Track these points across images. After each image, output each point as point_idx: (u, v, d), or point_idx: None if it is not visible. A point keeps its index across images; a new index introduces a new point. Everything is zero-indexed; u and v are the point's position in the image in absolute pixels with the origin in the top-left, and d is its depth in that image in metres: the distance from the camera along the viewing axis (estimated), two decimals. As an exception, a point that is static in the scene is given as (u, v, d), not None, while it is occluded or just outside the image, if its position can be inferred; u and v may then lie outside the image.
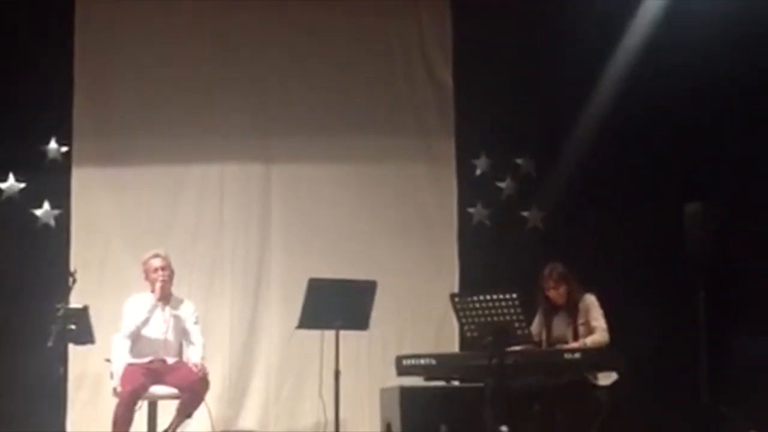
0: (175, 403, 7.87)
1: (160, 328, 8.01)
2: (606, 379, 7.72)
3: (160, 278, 7.98)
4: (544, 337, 8.01)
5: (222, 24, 9.26)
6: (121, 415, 7.69)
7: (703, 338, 8.41)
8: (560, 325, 8.01)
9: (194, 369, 7.83)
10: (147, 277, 8.06)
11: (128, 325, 7.96)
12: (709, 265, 8.39)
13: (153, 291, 8.03)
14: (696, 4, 8.82)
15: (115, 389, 7.88)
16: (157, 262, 8.03)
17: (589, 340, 7.78)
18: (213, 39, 9.25)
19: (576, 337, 7.90)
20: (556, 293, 7.98)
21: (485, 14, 9.33)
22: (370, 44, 9.45)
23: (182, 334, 8.08)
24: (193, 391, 7.79)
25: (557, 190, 9.35)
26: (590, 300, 7.96)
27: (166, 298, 8.06)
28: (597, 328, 7.84)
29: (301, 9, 9.32)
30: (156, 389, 7.88)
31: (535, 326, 7.99)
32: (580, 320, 7.93)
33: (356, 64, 9.40)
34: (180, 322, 8.06)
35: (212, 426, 8.03)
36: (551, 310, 8.03)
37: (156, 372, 7.90)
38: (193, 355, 8.00)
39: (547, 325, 8.03)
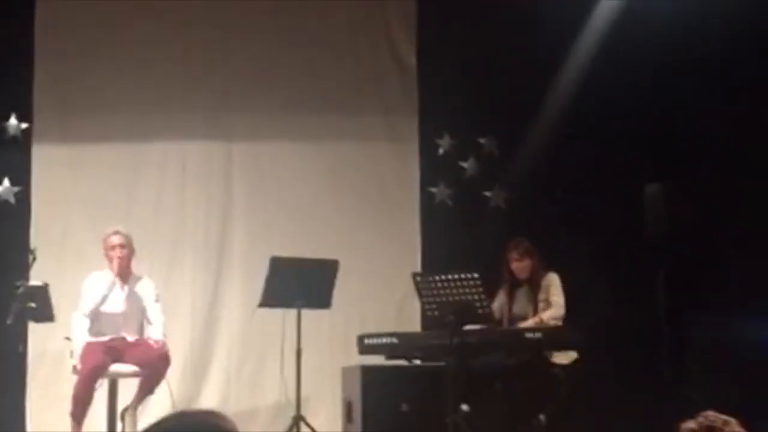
0: (136, 380, 7.85)
1: (119, 305, 7.98)
2: (566, 357, 7.79)
3: (117, 255, 7.94)
4: (506, 312, 8.06)
5: (186, 2, 9.19)
6: (80, 393, 7.67)
7: (663, 317, 8.48)
8: (522, 301, 8.07)
9: (154, 346, 7.80)
10: (106, 254, 8.02)
11: (86, 303, 7.93)
12: (669, 245, 8.45)
13: (110, 267, 7.99)
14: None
15: (74, 367, 7.85)
16: (116, 239, 7.99)
17: (546, 315, 7.86)
18: (176, 17, 9.18)
19: (536, 314, 7.96)
20: (520, 266, 8.04)
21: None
22: (335, 23, 9.42)
23: (142, 312, 8.05)
24: (153, 368, 7.77)
25: (520, 171, 9.38)
26: (552, 277, 8.04)
27: (124, 275, 8.02)
28: (554, 303, 7.91)
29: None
30: (116, 367, 7.85)
31: (498, 301, 8.04)
32: (541, 296, 8.00)
33: (320, 43, 9.37)
34: (139, 299, 8.03)
35: (173, 403, 8.01)
36: (514, 285, 8.09)
37: (116, 350, 7.87)
38: (153, 334, 7.97)
39: (510, 301, 8.08)
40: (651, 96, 9.15)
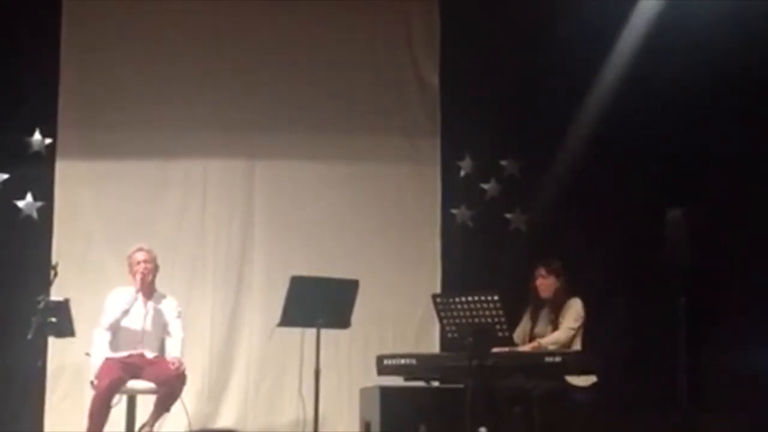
0: (154, 397, 7.86)
1: (139, 320, 8.00)
2: (584, 380, 7.75)
3: (141, 270, 7.97)
4: (527, 332, 8.05)
5: (209, 21, 9.24)
6: (97, 409, 7.68)
7: (682, 343, 8.43)
8: (542, 322, 8.05)
9: (171, 365, 7.82)
10: (130, 270, 8.05)
11: (107, 316, 7.95)
12: (690, 270, 8.42)
13: (134, 283, 8.02)
14: (685, 11, 8.85)
15: (92, 382, 7.87)
16: (140, 256, 8.04)
17: (545, 340, 7.83)
18: (201, 35, 9.24)
19: (554, 335, 7.96)
20: (544, 283, 8.02)
21: (473, 16, 9.34)
22: (358, 43, 9.45)
23: (163, 328, 8.07)
24: (169, 387, 7.77)
25: (541, 193, 9.37)
26: (574, 302, 8.00)
27: (147, 291, 8.05)
28: (560, 326, 7.88)
29: (290, 7, 9.31)
30: (133, 384, 7.87)
31: (522, 324, 8.03)
32: (561, 319, 7.97)
33: (343, 63, 9.40)
34: (161, 315, 8.06)
35: (189, 423, 8.02)
36: (538, 306, 8.08)
37: (134, 366, 7.89)
38: (171, 349, 7.99)
39: (533, 320, 8.07)
40: (673, 120, 9.13)
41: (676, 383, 8.42)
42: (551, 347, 7.78)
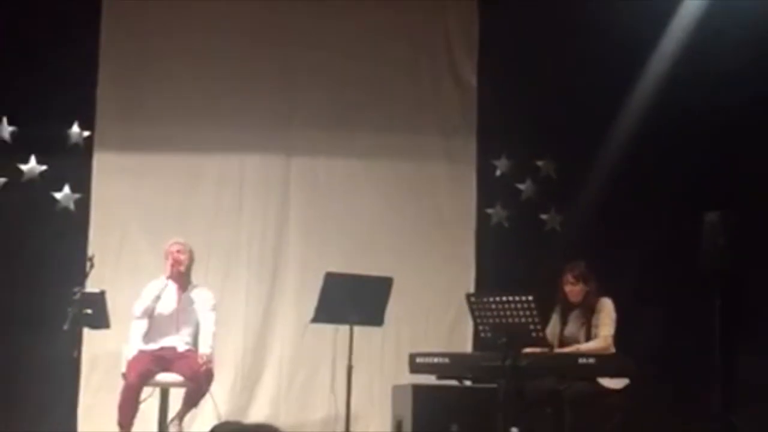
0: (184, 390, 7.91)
1: (172, 310, 8.04)
2: (617, 383, 7.73)
3: (172, 259, 8.01)
4: (557, 334, 8.02)
5: (249, 15, 9.26)
6: (126, 401, 7.75)
7: (717, 347, 8.40)
8: (573, 325, 8.02)
9: (199, 360, 7.84)
10: (166, 260, 8.10)
11: (140, 303, 8.01)
12: (726, 274, 8.38)
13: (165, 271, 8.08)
14: (728, 13, 8.80)
15: (123, 374, 7.92)
16: (174, 247, 8.11)
17: (584, 347, 7.79)
18: (240, 30, 9.25)
19: (588, 339, 7.92)
20: (573, 290, 7.99)
21: (512, 15, 9.32)
22: (396, 42, 9.45)
23: (196, 319, 8.10)
24: (196, 382, 7.81)
25: (577, 194, 9.35)
26: (605, 303, 7.97)
27: (182, 282, 8.09)
28: (599, 335, 7.85)
29: (329, 5, 9.33)
30: (163, 376, 7.92)
31: (551, 325, 8.01)
32: (593, 322, 7.94)
33: (381, 61, 9.40)
34: (195, 307, 8.09)
35: (219, 418, 8.05)
36: (567, 308, 8.05)
37: (165, 359, 7.94)
38: (202, 344, 8.02)
39: (562, 323, 8.05)
40: (711, 123, 9.09)
41: (709, 388, 8.39)
42: None
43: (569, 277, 8.01)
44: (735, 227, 8.32)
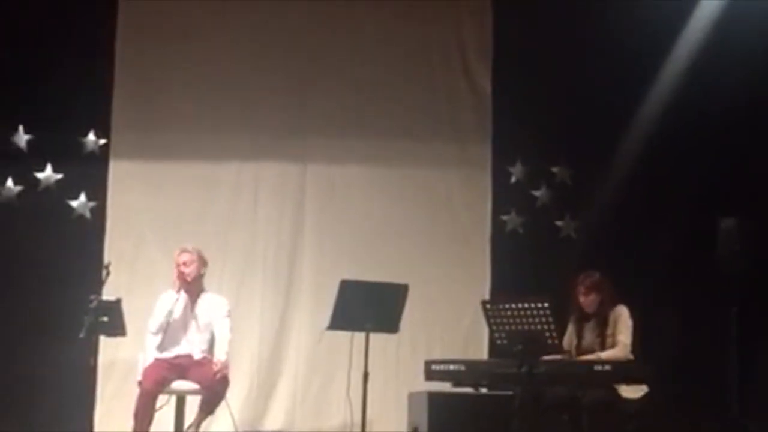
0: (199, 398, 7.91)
1: (185, 320, 8.05)
2: (635, 392, 7.70)
3: (178, 272, 8.02)
4: (574, 345, 7.99)
5: (265, 25, 9.29)
6: (141, 408, 7.74)
7: (733, 353, 8.38)
8: (589, 335, 7.99)
9: (214, 368, 7.85)
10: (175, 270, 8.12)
11: (154, 320, 8.01)
12: (743, 280, 8.36)
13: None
14: (745, 15, 8.78)
15: (139, 382, 7.92)
16: (182, 257, 8.08)
17: (604, 355, 7.76)
18: (255, 37, 9.28)
19: (603, 348, 7.88)
20: (587, 300, 7.96)
21: (526, 21, 9.32)
22: (410, 48, 9.46)
23: (210, 327, 8.10)
24: (212, 389, 7.82)
25: (592, 201, 9.33)
26: (620, 311, 7.93)
27: (194, 291, 8.09)
28: (619, 343, 7.81)
29: (343, 12, 9.34)
30: (178, 384, 7.92)
31: (568, 335, 7.98)
32: (609, 331, 7.90)
33: (395, 68, 9.41)
34: (208, 315, 8.09)
35: (235, 425, 8.05)
36: (583, 318, 8.02)
37: (180, 367, 7.94)
38: (218, 351, 8.02)
39: (578, 334, 8.01)
40: (728, 129, 9.07)
41: (726, 393, 8.37)
42: None
43: (582, 289, 7.96)
44: (751, 233, 8.30)
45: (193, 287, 8.10)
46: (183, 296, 8.06)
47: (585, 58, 9.20)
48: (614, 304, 7.96)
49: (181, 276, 8.01)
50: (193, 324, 8.07)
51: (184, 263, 8.05)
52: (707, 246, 8.52)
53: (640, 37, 9.01)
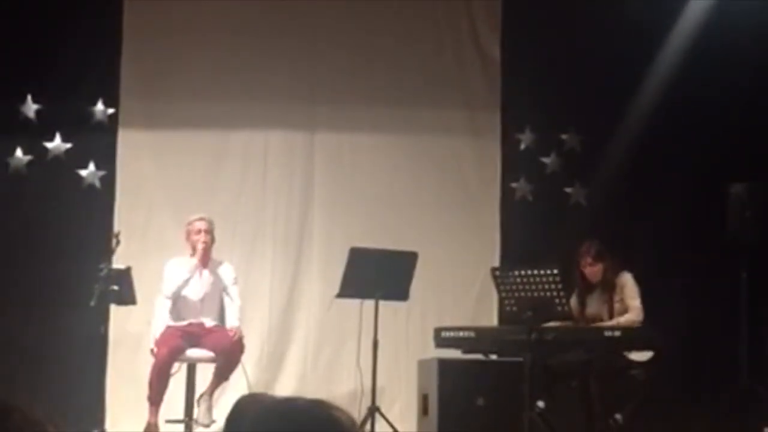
0: (213, 366, 7.93)
1: (199, 291, 8.07)
2: (642, 355, 7.71)
3: (201, 241, 8.01)
4: (578, 314, 8.00)
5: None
6: (156, 377, 7.78)
7: (743, 319, 8.38)
8: (595, 303, 8.00)
9: (229, 333, 7.87)
10: (188, 238, 8.10)
11: (169, 285, 8.02)
12: (753, 247, 8.35)
13: (192, 253, 8.06)
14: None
15: (152, 350, 7.95)
16: (200, 225, 8.07)
17: (623, 319, 7.77)
18: (263, 6, 9.24)
19: (611, 315, 7.89)
20: (592, 270, 7.96)
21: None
22: (419, 15, 9.41)
23: (221, 295, 8.13)
24: (227, 355, 7.85)
25: (601, 168, 9.31)
26: (626, 277, 7.94)
27: (205, 261, 8.11)
28: (632, 308, 7.82)
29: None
30: (192, 352, 7.94)
31: (572, 304, 7.98)
32: (616, 298, 7.92)
33: (404, 36, 9.37)
34: (219, 283, 8.11)
35: (249, 388, 8.08)
36: (587, 288, 8.02)
37: (193, 335, 7.96)
38: (230, 318, 8.05)
39: (582, 303, 8.01)
40: (737, 95, 9.03)
41: (737, 359, 8.37)
42: None
43: (587, 259, 7.95)
44: (761, 199, 8.28)
45: (206, 255, 8.11)
46: (196, 263, 8.07)
47: (595, 24, 9.15)
48: (618, 270, 7.96)
49: (206, 249, 8.00)
50: (204, 292, 8.09)
51: (205, 231, 8.04)
52: (716, 212, 8.51)
53: (651, 3, 8.96)
